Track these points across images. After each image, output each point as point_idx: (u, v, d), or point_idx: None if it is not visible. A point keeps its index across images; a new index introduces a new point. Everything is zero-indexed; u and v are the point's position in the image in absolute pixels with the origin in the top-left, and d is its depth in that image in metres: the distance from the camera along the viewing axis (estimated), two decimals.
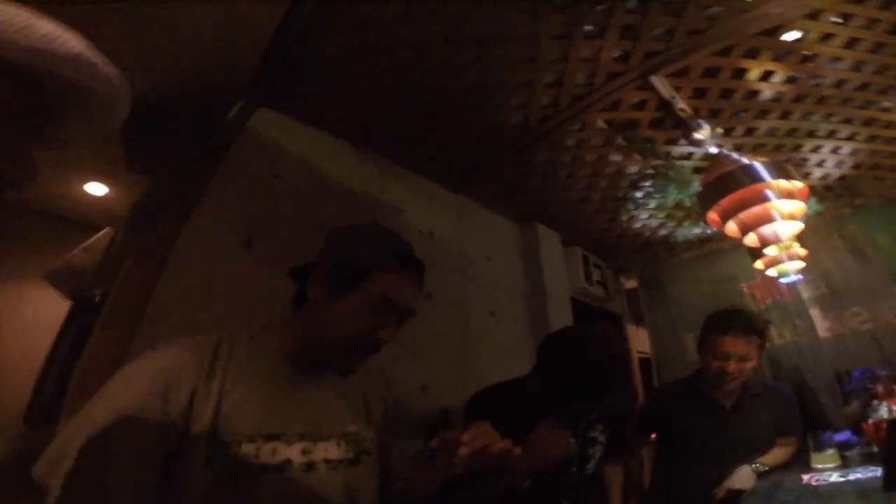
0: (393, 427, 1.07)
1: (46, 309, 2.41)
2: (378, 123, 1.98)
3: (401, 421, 1.12)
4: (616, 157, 2.25)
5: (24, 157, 0.52)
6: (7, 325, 2.44)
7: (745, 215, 1.85)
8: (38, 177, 0.53)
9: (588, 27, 1.57)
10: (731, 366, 1.67)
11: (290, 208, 1.73)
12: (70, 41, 0.49)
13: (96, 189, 2.29)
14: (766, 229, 1.87)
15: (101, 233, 1.63)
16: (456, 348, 2.13)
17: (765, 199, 1.80)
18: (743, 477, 1.62)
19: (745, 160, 1.84)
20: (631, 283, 3.40)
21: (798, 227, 1.86)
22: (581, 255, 3.08)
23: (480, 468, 0.83)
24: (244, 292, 1.50)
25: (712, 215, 1.92)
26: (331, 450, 0.87)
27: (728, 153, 1.95)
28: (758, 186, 1.78)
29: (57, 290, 1.80)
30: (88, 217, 2.38)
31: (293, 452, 0.82)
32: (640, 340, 3.34)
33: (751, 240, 1.95)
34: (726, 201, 1.84)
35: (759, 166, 1.79)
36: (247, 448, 0.77)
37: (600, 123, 2.03)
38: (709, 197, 1.90)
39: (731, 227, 1.93)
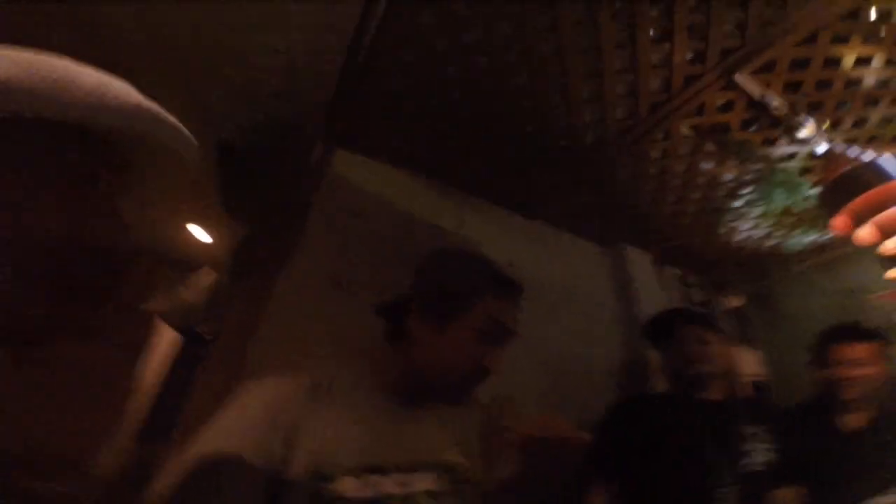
0: None
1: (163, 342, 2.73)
2: (450, 156, 2.00)
3: None
4: (708, 165, 2.08)
5: (116, 219, 0.51)
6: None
7: (881, 218, 1.60)
8: (132, 237, 0.53)
9: (652, 32, 1.49)
10: (844, 371, 1.66)
11: (372, 247, 1.79)
12: (123, 92, 0.47)
13: (200, 234, 2.53)
14: None
15: (202, 271, 1.79)
16: (548, 379, 2.05)
17: None
18: None
19: (866, 155, 1.61)
20: (736, 302, 3.07)
21: None
22: (678, 275, 2.86)
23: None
24: (335, 332, 1.57)
25: (839, 221, 1.68)
26: (429, 481, 0.87)
27: (842, 149, 1.72)
28: (892, 184, 1.54)
29: (169, 325, 2.00)
30: (194, 260, 2.64)
31: (391, 485, 0.81)
32: (752, 364, 2.98)
33: (890, 246, 1.68)
34: (855, 204, 1.61)
35: (887, 161, 1.55)
36: (347, 482, 0.77)
37: (685, 130, 1.90)
38: (832, 201, 1.66)
39: (864, 234, 1.68)
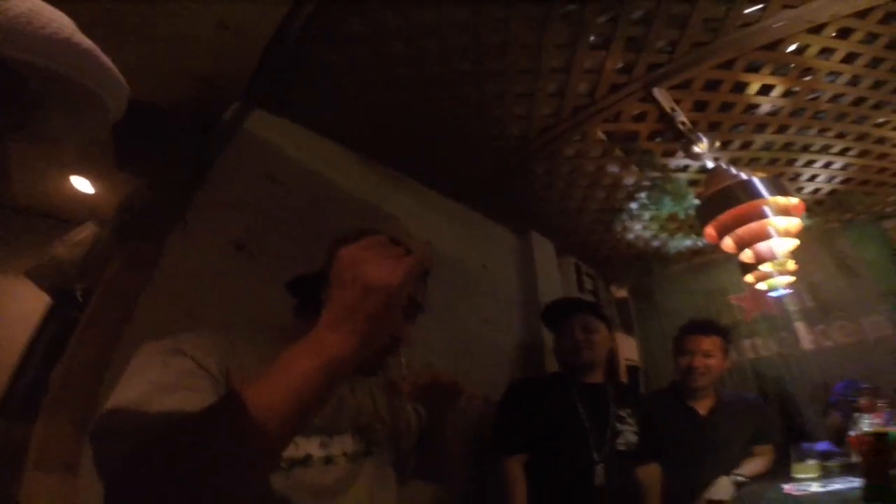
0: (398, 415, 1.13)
1: (26, 303, 2.35)
2: (379, 131, 1.96)
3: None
4: (613, 169, 2.25)
5: (3, 159, 0.45)
6: None
7: (742, 231, 1.85)
8: (10, 172, 0.47)
9: (593, 38, 1.57)
10: (697, 360, 1.94)
11: (287, 213, 1.69)
12: (54, 23, 0.42)
13: (82, 185, 2.22)
14: (762, 246, 1.88)
15: (82, 227, 1.57)
16: (450, 356, 2.09)
17: (762, 215, 1.80)
18: (722, 488, 1.69)
19: (743, 175, 1.84)
20: (621, 293, 3.41)
21: (793, 244, 1.88)
22: (574, 264, 3.08)
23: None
24: (235, 299, 1.46)
25: (710, 230, 1.92)
26: (347, 443, 0.90)
27: (725, 167, 1.96)
28: (755, 203, 1.78)
29: (37, 284, 1.73)
30: (72, 214, 2.30)
31: (312, 446, 0.83)
32: (628, 349, 3.35)
33: (746, 255, 1.95)
34: (724, 217, 1.84)
35: (757, 182, 1.79)
36: None
37: (600, 134, 2.03)
38: (707, 212, 1.90)
39: (728, 243, 1.94)
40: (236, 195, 1.60)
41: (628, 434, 1.74)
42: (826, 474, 1.62)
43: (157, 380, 0.65)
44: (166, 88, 1.48)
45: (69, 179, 2.19)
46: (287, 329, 0.94)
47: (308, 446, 0.83)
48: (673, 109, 1.79)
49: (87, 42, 0.44)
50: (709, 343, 1.98)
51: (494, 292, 2.54)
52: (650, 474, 1.78)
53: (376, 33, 1.48)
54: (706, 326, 2.07)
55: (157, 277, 1.37)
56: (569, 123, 1.93)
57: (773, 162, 2.20)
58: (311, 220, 1.69)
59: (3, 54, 0.39)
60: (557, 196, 2.46)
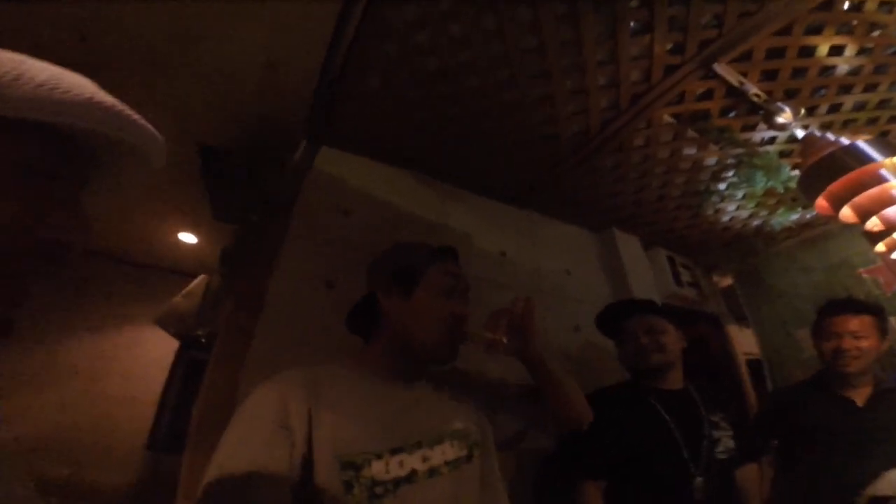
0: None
1: (157, 347, 2.79)
2: (434, 150, 2.02)
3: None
4: (690, 151, 2.11)
5: (78, 214, 0.50)
6: (126, 362, 2.83)
7: (861, 199, 1.62)
8: (89, 223, 0.50)
9: (632, 24, 1.51)
10: (846, 342, 1.70)
11: (363, 243, 1.80)
12: (75, 87, 0.45)
13: (187, 238, 2.56)
14: (891, 211, 1.63)
15: (198, 279, 1.84)
16: None
17: (881, 179, 1.57)
18: (891, 482, 1.48)
19: (844, 140, 1.63)
20: (726, 281, 3.11)
21: None
22: (665, 256, 2.89)
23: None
24: (333, 330, 1.59)
25: (821, 202, 1.71)
26: (447, 451, 0.92)
27: (821, 134, 1.75)
28: (870, 167, 1.56)
29: (166, 331, 2.04)
30: (183, 265, 2.68)
31: (415, 461, 0.86)
32: (744, 341, 3.03)
33: (873, 223, 1.71)
34: (836, 186, 1.63)
35: (863, 145, 1.57)
36: (377, 465, 0.81)
37: (667, 118, 1.92)
38: (812, 184, 1.69)
39: (847, 213, 1.71)
40: (318, 232, 1.75)
41: (726, 440, 1.57)
42: None
43: (243, 454, 0.73)
44: (233, 136, 1.62)
45: (177, 235, 2.52)
46: (357, 354, 1.04)
47: (411, 462, 0.85)
48: (741, 83, 1.64)
49: (110, 99, 0.48)
50: (857, 323, 1.72)
51: (583, 297, 2.46)
52: (747, 476, 1.62)
53: (410, 54, 1.54)
54: (852, 304, 1.79)
55: (263, 317, 1.55)
56: (631, 113, 1.85)
57: (872, 121, 1.92)
58: (385, 245, 1.80)
59: (33, 118, 0.43)
60: (632, 188, 2.35)
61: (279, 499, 0.71)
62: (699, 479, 1.46)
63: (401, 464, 0.83)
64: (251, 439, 0.74)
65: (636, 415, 1.58)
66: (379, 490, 0.79)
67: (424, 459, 0.87)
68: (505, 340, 1.02)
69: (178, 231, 2.51)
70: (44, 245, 0.46)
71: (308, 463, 0.76)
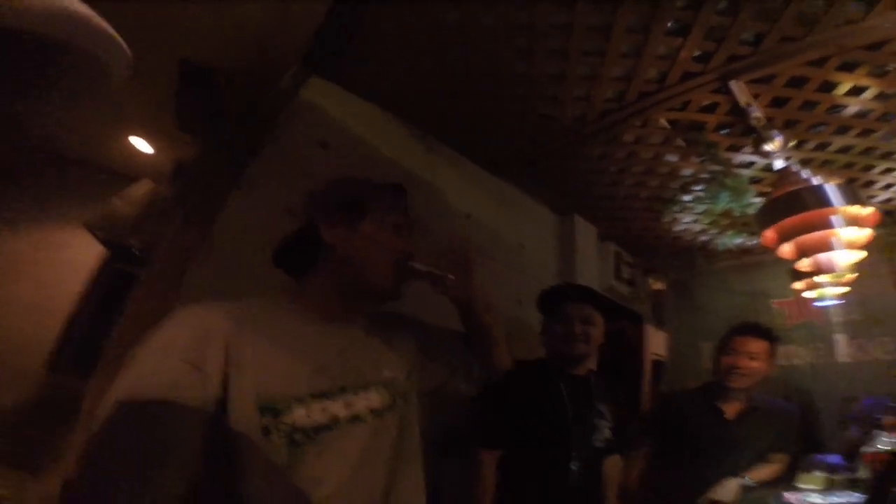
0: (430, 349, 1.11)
1: (81, 253, 2.44)
2: (427, 102, 1.91)
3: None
4: (672, 158, 2.15)
5: (14, 128, 0.48)
6: (43, 266, 2.47)
7: (805, 239, 1.76)
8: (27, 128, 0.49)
9: (670, 23, 1.46)
10: (742, 361, 1.88)
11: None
12: None
13: (140, 144, 2.26)
14: (823, 257, 1.78)
15: (139, 183, 1.61)
16: None
17: (829, 225, 1.70)
18: (727, 490, 1.69)
19: (815, 180, 1.73)
20: (658, 286, 3.32)
21: (858, 256, 1.77)
22: (614, 251, 3.01)
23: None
24: None
25: (769, 233, 1.83)
26: (372, 399, 0.88)
27: (797, 169, 1.84)
28: (825, 211, 1.68)
29: (94, 236, 1.79)
30: (130, 171, 2.36)
31: (338, 407, 0.81)
32: (656, 343, 3.29)
33: (803, 264, 1.86)
34: (788, 222, 1.75)
35: (829, 189, 1.68)
36: (298, 411, 0.76)
37: (663, 122, 1.93)
38: (770, 214, 1.80)
39: (786, 249, 1.85)
40: (290, 161, 1.60)
41: (605, 430, 1.66)
42: (830, 487, 1.63)
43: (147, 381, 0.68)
44: (229, 53, 1.46)
45: (128, 139, 2.23)
46: (291, 291, 0.95)
47: (334, 408, 0.81)
48: (749, 104, 1.67)
49: (84, 9, 0.45)
50: (757, 346, 1.91)
51: (531, 273, 2.51)
52: (612, 466, 1.74)
53: (432, 3, 1.43)
54: (758, 329, 1.98)
55: (212, 237, 1.40)
56: (632, 109, 1.83)
57: (848, 166, 2.06)
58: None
59: (3, 25, 0.40)
60: (608, 180, 2.38)
61: (188, 436, 0.67)
62: (576, 465, 1.54)
63: (323, 410, 0.79)
64: (159, 373, 0.68)
65: (542, 395, 1.62)
66: (298, 437, 0.74)
67: (347, 406, 0.83)
68: (451, 276, 0.99)
69: (131, 134, 2.18)
70: None
71: (222, 406, 0.70)
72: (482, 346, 1.12)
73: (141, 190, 1.59)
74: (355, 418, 0.83)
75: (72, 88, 0.51)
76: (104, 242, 1.82)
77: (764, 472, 1.81)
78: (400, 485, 0.87)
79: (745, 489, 1.70)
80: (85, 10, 0.45)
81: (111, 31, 0.48)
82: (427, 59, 1.66)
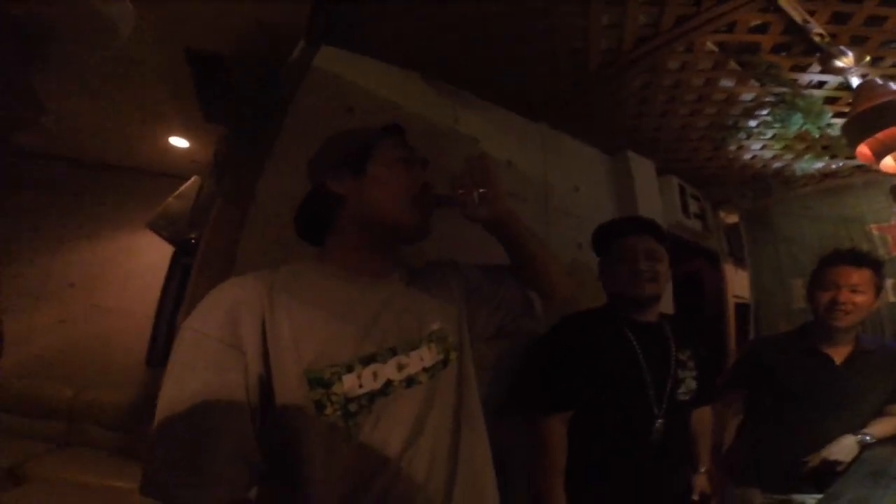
0: (481, 274, 1.06)
1: (152, 254, 2.75)
2: (449, 52, 1.83)
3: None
4: (728, 83, 1.91)
5: (28, 93, 0.50)
6: (120, 271, 2.83)
7: None
8: (44, 114, 0.51)
9: None
10: (843, 295, 1.61)
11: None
12: None
13: (179, 142, 2.43)
14: None
15: (190, 181, 1.77)
16: None
17: None
18: (844, 448, 1.47)
19: None
20: (732, 218, 3.02)
21: None
22: (677, 184, 2.78)
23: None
24: None
25: (864, 149, 1.62)
26: (425, 357, 0.84)
27: (881, 82, 1.58)
28: None
29: (159, 235, 1.99)
30: (176, 168, 2.58)
31: (390, 370, 0.78)
32: (738, 283, 2.99)
33: None
34: (884, 134, 1.53)
35: None
36: (349, 380, 0.73)
37: (710, 46, 1.71)
38: (859, 129, 1.58)
39: (888, 163, 1.63)
40: (318, 129, 1.61)
41: (689, 381, 1.48)
42: None
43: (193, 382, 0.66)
44: (235, 37, 1.50)
45: (168, 139, 2.39)
46: (319, 254, 0.92)
47: (386, 372, 0.77)
48: (806, 21, 1.43)
49: None
50: (858, 276, 1.62)
51: (589, 215, 2.35)
52: (702, 419, 1.60)
53: None
54: (857, 257, 1.68)
55: (251, 217, 1.46)
56: (671, 34, 1.64)
57: None
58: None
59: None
60: (658, 111, 2.18)
61: (240, 427, 0.65)
62: (659, 422, 1.39)
63: (374, 375, 0.75)
64: (197, 364, 0.66)
65: (609, 346, 1.46)
66: (353, 407, 0.72)
67: (400, 367, 0.79)
68: (480, 191, 0.90)
69: (169, 135, 2.37)
70: None
71: (267, 385, 0.68)
72: (531, 271, 1.04)
73: (190, 185, 1.76)
74: (410, 380, 0.80)
75: (84, 49, 0.54)
76: (168, 240, 2.03)
77: (884, 426, 1.55)
78: (464, 445, 0.85)
79: (864, 447, 1.48)
80: None
81: None
82: (436, 7, 1.58)
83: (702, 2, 1.47)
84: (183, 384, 0.65)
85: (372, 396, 0.74)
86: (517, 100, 2.16)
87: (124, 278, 2.93)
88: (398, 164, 0.91)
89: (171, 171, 2.64)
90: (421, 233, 0.91)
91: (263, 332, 0.70)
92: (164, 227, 1.91)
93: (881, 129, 1.54)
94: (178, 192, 1.81)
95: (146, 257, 2.88)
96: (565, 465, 1.36)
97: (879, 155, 1.62)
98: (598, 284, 1.73)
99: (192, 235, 1.71)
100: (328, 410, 0.69)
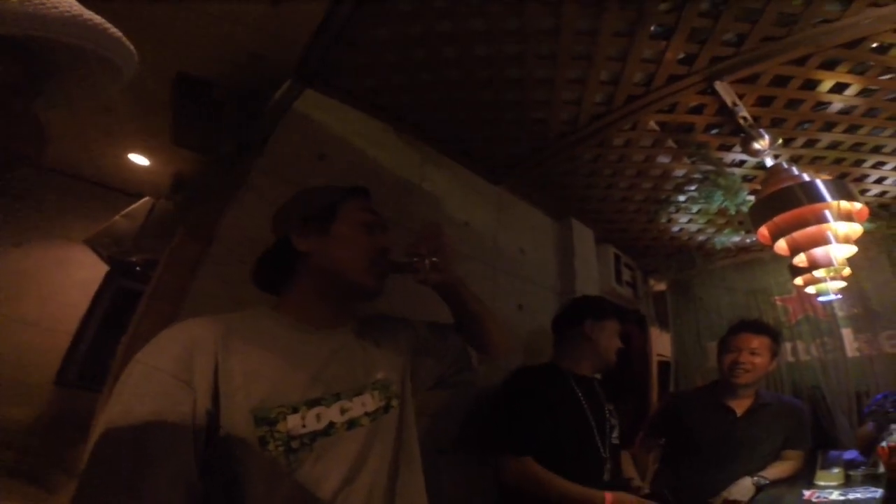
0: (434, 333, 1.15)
1: (84, 270, 2.49)
2: (422, 110, 1.95)
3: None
4: (664, 159, 2.18)
5: (35, 127, 0.50)
6: (47, 284, 2.52)
7: (798, 235, 1.77)
8: (49, 144, 0.51)
9: (654, 27, 1.50)
10: (743, 356, 1.93)
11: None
12: (63, 3, 0.45)
13: (138, 159, 2.32)
14: (819, 251, 1.78)
15: (142, 201, 1.65)
16: None
17: (822, 219, 1.71)
18: (741, 488, 1.69)
19: (805, 176, 1.74)
20: (659, 287, 3.32)
21: (852, 250, 1.78)
22: (613, 253, 3.02)
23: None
24: None
25: (763, 231, 1.84)
26: (367, 402, 0.89)
27: (787, 166, 1.86)
28: (816, 206, 1.69)
29: (96, 253, 1.82)
30: (130, 186, 2.41)
31: (333, 413, 0.82)
32: (661, 344, 3.29)
33: (800, 259, 1.87)
34: (781, 218, 1.76)
35: (820, 184, 1.70)
36: (293, 419, 0.77)
37: (652, 125, 1.96)
38: (762, 212, 1.81)
39: (781, 246, 1.86)
40: (288, 174, 1.63)
41: (616, 428, 1.73)
42: (848, 483, 1.61)
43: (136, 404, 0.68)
44: (221, 65, 1.51)
45: (128, 156, 2.27)
46: (275, 303, 0.97)
47: (329, 414, 0.82)
48: (735, 104, 1.70)
49: (96, 18, 0.48)
50: (757, 342, 1.96)
51: (531, 278, 2.53)
52: (626, 461, 1.87)
53: (424, 12, 1.47)
54: (757, 326, 2.05)
55: (213, 251, 1.43)
56: (621, 112, 1.87)
57: (838, 161, 2.08)
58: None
59: (20, 33, 0.42)
60: (602, 183, 2.41)
61: (183, 455, 0.67)
62: (608, 464, 1.61)
63: (318, 417, 0.80)
64: (146, 394, 0.68)
65: (560, 396, 1.66)
66: (295, 444, 0.76)
67: (343, 411, 0.84)
68: (432, 260, 1.00)
69: (130, 151, 2.24)
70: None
71: (214, 419, 0.71)
72: (475, 328, 1.14)
73: (141, 206, 1.63)
74: (352, 423, 0.84)
75: (80, 90, 0.55)
76: (106, 259, 1.85)
77: (778, 469, 1.81)
78: (401, 486, 0.89)
79: (760, 487, 1.70)
80: (97, 19, 0.48)
81: (120, 34, 0.50)
82: (421, 69, 1.70)
83: (651, 83, 1.69)
84: (130, 410, 0.66)
85: (314, 436, 0.78)
86: (481, 161, 2.30)
87: (49, 292, 2.54)
88: (360, 228, 0.99)
89: (124, 187, 2.43)
90: (375, 293, 0.99)
91: (216, 372, 0.74)
92: (105, 246, 1.73)
93: (777, 213, 1.78)
94: (127, 210, 1.65)
95: (76, 273, 2.53)
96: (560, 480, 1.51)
97: (775, 237, 1.85)
98: (535, 344, 2.11)
99: (135, 259, 1.55)
100: (271, 446, 0.73)
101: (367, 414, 0.88)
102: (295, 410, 0.78)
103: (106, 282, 2.23)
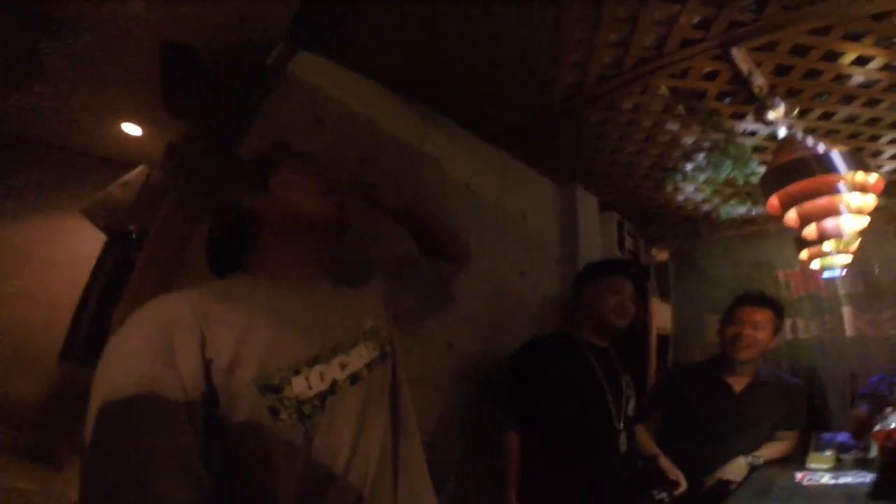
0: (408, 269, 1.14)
1: (83, 242, 2.46)
2: (422, 71, 1.86)
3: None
4: (673, 126, 2.10)
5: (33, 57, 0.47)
6: (45, 257, 2.50)
7: (809, 206, 1.72)
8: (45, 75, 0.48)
9: None
10: (746, 330, 1.88)
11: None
12: None
13: (131, 129, 2.27)
14: (829, 222, 1.74)
15: (137, 170, 1.61)
16: (483, 306, 2.09)
17: (835, 191, 1.66)
18: (735, 468, 1.69)
19: (820, 147, 1.69)
20: (662, 256, 3.28)
21: (864, 222, 1.74)
22: (617, 220, 2.98)
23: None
24: None
25: (773, 201, 1.79)
26: (363, 353, 0.85)
27: (801, 137, 1.79)
28: (830, 177, 1.64)
29: (93, 223, 1.80)
30: (124, 156, 2.37)
31: (334, 370, 0.78)
32: (661, 316, 3.24)
33: (809, 231, 1.83)
34: (793, 188, 1.71)
35: (835, 155, 1.64)
36: (298, 383, 0.72)
37: (663, 89, 1.88)
38: (774, 181, 1.76)
39: (791, 216, 1.81)
40: (284, 138, 1.57)
41: (634, 399, 1.70)
42: (840, 466, 1.60)
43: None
44: (214, 33, 1.44)
45: (121, 126, 2.22)
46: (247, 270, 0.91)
47: (331, 372, 0.78)
48: (751, 72, 1.62)
49: None
50: (761, 315, 1.90)
51: (533, 244, 2.50)
52: (642, 433, 1.82)
53: None
54: (761, 299, 1.98)
55: (206, 217, 1.39)
56: (630, 75, 1.78)
57: (854, 136, 2.00)
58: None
59: None
60: (608, 148, 2.34)
61: (180, 437, 0.61)
62: (623, 436, 1.58)
63: (321, 376, 0.75)
64: (132, 382, 0.61)
65: (573, 367, 1.63)
66: (307, 409, 0.71)
67: (343, 366, 0.80)
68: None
69: (123, 121, 2.18)
70: None
71: (211, 402, 0.65)
72: (435, 243, 1.14)
73: (137, 174, 1.60)
74: (354, 377, 0.81)
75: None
76: (103, 229, 1.83)
77: (772, 449, 1.80)
78: (402, 437, 0.87)
79: (753, 468, 1.69)
80: None
81: None
82: (422, 31, 1.62)
83: (664, 46, 1.61)
84: (113, 411, 0.60)
85: (323, 396, 0.74)
86: (483, 124, 2.23)
87: (48, 265, 2.54)
88: (301, 170, 0.94)
89: (118, 157, 2.38)
90: (340, 224, 0.93)
91: (202, 346, 0.67)
92: (101, 215, 1.70)
93: (789, 183, 1.73)
94: (122, 179, 1.62)
95: (76, 245, 2.52)
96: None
97: (786, 207, 1.81)
98: (531, 310, 2.08)
99: (132, 227, 1.53)
100: (283, 415, 0.69)
101: (366, 366, 0.84)
102: (297, 372, 0.73)
103: (104, 252, 2.21)
